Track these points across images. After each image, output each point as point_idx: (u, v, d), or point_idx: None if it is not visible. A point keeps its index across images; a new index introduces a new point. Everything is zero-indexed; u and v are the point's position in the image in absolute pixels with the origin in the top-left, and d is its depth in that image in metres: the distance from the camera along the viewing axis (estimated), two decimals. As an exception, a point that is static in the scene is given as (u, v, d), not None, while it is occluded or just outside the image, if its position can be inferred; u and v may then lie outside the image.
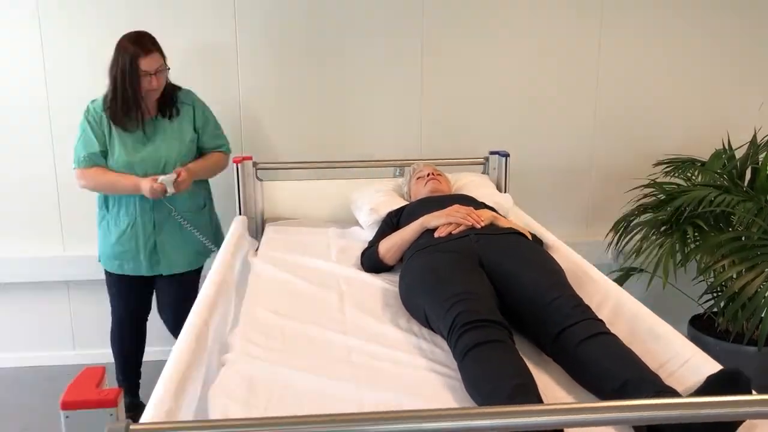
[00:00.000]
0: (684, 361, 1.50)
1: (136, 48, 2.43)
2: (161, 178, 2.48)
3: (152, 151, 2.57)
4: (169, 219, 2.63)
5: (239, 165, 2.78)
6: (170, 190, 2.48)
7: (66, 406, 0.91)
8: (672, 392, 1.38)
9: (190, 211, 2.67)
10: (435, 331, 1.78)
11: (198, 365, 1.46)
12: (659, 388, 1.39)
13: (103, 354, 3.32)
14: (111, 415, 0.91)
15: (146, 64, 2.44)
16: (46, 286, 3.34)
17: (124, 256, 2.65)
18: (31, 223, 3.27)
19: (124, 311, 2.79)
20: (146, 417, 1.14)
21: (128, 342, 2.82)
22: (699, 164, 3.21)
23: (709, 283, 3.01)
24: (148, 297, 2.81)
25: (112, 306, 2.81)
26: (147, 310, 2.84)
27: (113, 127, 2.54)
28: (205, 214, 2.77)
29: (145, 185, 2.49)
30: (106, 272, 2.75)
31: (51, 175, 3.21)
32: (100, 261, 2.75)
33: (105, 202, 2.66)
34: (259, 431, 0.94)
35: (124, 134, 2.55)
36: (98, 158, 2.53)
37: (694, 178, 3.22)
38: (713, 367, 1.43)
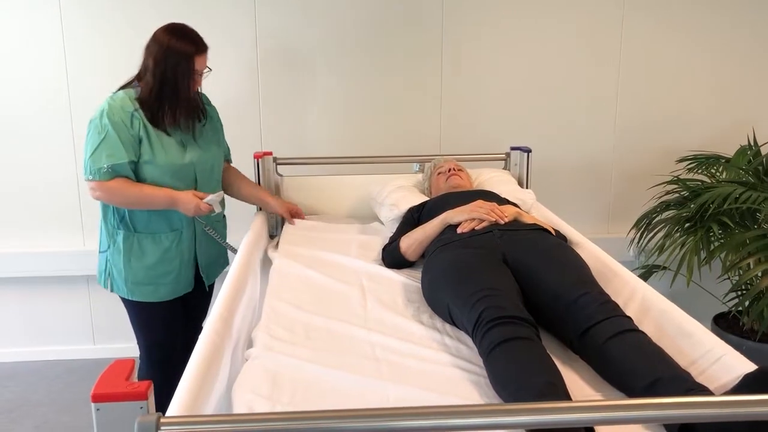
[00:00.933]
0: (716, 359, 1.47)
1: (191, 45, 2.17)
2: (210, 197, 2.21)
3: (200, 153, 2.29)
4: (200, 228, 2.36)
5: (260, 160, 2.77)
6: (217, 210, 2.24)
7: (97, 398, 0.90)
8: (704, 390, 1.36)
9: (215, 221, 2.44)
10: (459, 327, 1.76)
11: (222, 360, 1.45)
12: (690, 386, 1.37)
13: (122, 348, 3.35)
14: (141, 408, 0.91)
15: (200, 63, 2.19)
16: (67, 280, 3.37)
17: (162, 279, 2.28)
18: (53, 219, 3.29)
19: (165, 339, 2.35)
20: (172, 410, 1.13)
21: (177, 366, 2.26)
22: (723, 161, 3.17)
23: (734, 282, 2.98)
24: (184, 318, 2.43)
25: (147, 339, 2.37)
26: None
27: (149, 128, 2.18)
28: (223, 222, 2.54)
29: (187, 200, 2.18)
30: (131, 302, 2.31)
31: (72, 171, 3.23)
32: (114, 290, 2.31)
33: (126, 218, 2.24)
34: (286, 426, 0.93)
35: (162, 135, 2.20)
36: (124, 169, 2.13)
37: (718, 174, 3.18)
38: (746, 365, 1.40)
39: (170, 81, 2.15)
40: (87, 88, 3.14)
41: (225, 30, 3.10)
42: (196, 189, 2.28)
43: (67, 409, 3.00)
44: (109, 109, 2.14)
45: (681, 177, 3.20)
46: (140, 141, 2.16)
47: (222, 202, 2.40)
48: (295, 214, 2.70)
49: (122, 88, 2.24)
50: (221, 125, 2.48)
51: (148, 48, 2.18)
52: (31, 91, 3.15)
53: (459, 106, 3.32)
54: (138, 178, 2.19)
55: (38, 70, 3.13)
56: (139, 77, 2.23)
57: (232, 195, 2.61)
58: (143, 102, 2.18)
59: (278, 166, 2.87)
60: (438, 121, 3.33)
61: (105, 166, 2.10)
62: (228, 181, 2.55)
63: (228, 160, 2.57)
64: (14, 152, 3.20)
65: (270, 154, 2.84)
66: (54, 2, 3.06)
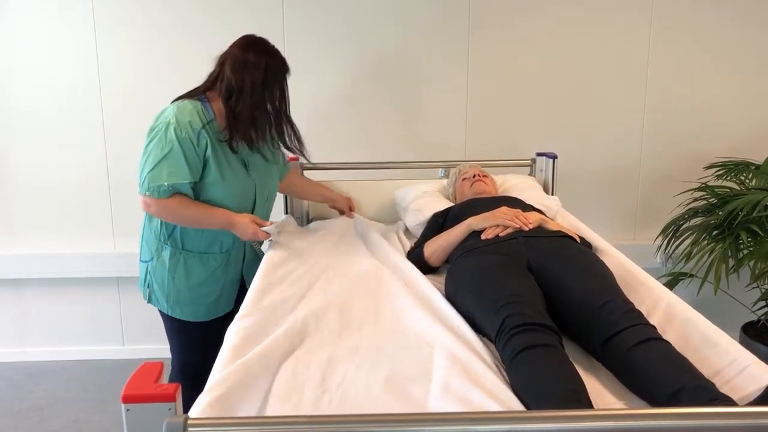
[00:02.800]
0: (741, 369, 1.46)
1: (284, 63, 2.15)
2: (271, 227, 2.14)
3: (262, 173, 2.24)
4: (249, 246, 2.33)
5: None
6: (274, 239, 2.18)
7: (127, 399, 0.93)
8: (728, 401, 1.35)
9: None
10: (482, 333, 1.77)
11: (254, 355, 1.47)
12: (714, 395, 1.36)
13: (151, 349, 3.41)
14: (170, 409, 0.93)
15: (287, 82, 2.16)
16: (97, 282, 3.43)
17: (203, 300, 2.22)
18: (84, 221, 3.36)
19: (199, 357, 2.14)
20: (199, 403, 1.15)
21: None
22: (753, 167, 3.13)
23: (762, 290, 2.94)
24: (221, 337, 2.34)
25: (181, 354, 2.31)
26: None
27: (217, 147, 2.08)
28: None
29: (244, 224, 2.10)
30: (169, 317, 2.25)
31: (103, 174, 3.30)
32: (152, 302, 2.27)
33: (175, 234, 2.15)
34: (312, 429, 0.95)
35: (228, 154, 2.12)
36: (184, 188, 2.04)
37: (747, 181, 3.14)
38: (774, 376, 1.39)
39: (278, 103, 2.11)
40: (118, 88, 3.21)
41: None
42: (254, 209, 2.25)
43: (96, 409, 3.06)
44: (176, 124, 2.01)
45: (709, 184, 3.16)
46: (206, 161, 2.07)
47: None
48: (353, 207, 2.76)
49: (185, 96, 2.14)
50: None
51: (239, 69, 2.06)
52: (63, 93, 3.23)
53: (484, 112, 3.33)
54: (199, 196, 2.11)
55: (70, 71, 3.20)
56: (206, 89, 2.14)
57: (295, 195, 2.70)
58: (233, 129, 2.07)
59: (304, 171, 2.89)
60: (463, 126, 3.34)
61: (165, 184, 1.99)
62: (291, 182, 2.60)
63: (287, 165, 2.53)
64: (46, 155, 3.28)
65: (296, 159, 2.86)
66: (87, 5, 3.13)
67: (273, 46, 2.16)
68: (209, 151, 2.06)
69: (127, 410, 0.94)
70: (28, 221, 3.36)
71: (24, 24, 3.15)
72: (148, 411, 0.93)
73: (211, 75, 2.15)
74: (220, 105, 2.10)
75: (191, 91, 2.16)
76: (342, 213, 2.76)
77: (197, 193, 2.11)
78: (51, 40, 3.17)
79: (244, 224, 2.11)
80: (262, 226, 2.15)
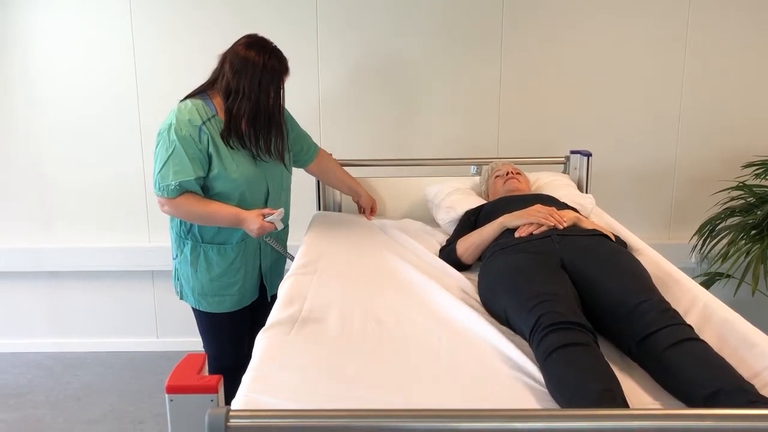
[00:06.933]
0: (782, 372, 1.44)
1: (282, 64, 2.16)
2: (271, 216, 2.14)
3: (272, 165, 2.26)
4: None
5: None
6: (279, 227, 2.18)
7: (170, 390, 0.95)
8: (768, 403, 1.33)
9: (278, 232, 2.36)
10: (516, 331, 1.76)
11: (291, 349, 1.49)
12: (754, 398, 1.34)
13: (184, 342, 3.45)
14: (212, 401, 0.95)
15: (284, 83, 2.18)
16: (132, 275, 3.49)
17: (227, 290, 2.27)
18: (120, 216, 3.43)
19: (230, 349, 2.34)
20: (240, 395, 1.17)
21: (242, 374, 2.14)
22: (793, 166, 3.07)
23: (801, 292, 2.88)
24: (250, 327, 2.34)
25: (212, 347, 2.36)
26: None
27: (218, 141, 2.13)
28: (286, 230, 2.48)
29: (251, 221, 2.12)
30: (198, 311, 2.32)
31: (140, 170, 3.35)
32: (182, 298, 2.35)
33: (193, 228, 2.23)
34: (351, 423, 0.96)
35: (231, 149, 2.17)
36: (191, 185, 2.10)
37: (787, 181, 3.08)
38: (815, 379, 1.36)
39: (265, 101, 2.11)
40: (154, 87, 3.26)
41: (286, 34, 3.17)
42: (267, 200, 2.28)
43: (131, 399, 3.12)
44: (176, 123, 2.09)
45: (747, 183, 3.11)
46: (209, 155, 2.12)
47: (284, 218, 2.35)
48: (373, 210, 2.77)
49: (190, 96, 2.20)
50: (292, 127, 2.43)
51: (238, 68, 2.09)
52: (101, 91, 3.28)
53: (517, 109, 3.31)
54: (209, 192, 2.17)
55: (108, 69, 3.26)
56: (209, 85, 2.19)
57: (325, 179, 2.71)
58: (232, 129, 2.12)
59: (337, 168, 2.91)
60: (496, 123, 3.32)
61: (173, 183, 2.07)
62: (324, 165, 2.60)
63: (314, 148, 2.55)
64: (85, 151, 3.35)
65: (329, 155, 2.88)
66: (125, 5, 3.18)
67: (275, 47, 2.17)
68: (211, 147, 2.12)
69: (171, 400, 0.96)
70: (66, 216, 3.43)
71: (63, 28, 3.21)
72: (191, 402, 0.95)
73: (213, 72, 2.19)
74: (221, 101, 2.15)
75: (196, 89, 2.22)
76: (361, 212, 2.77)
77: (207, 188, 2.17)
78: (89, 43, 3.23)
79: (251, 220, 2.13)
80: (267, 218, 2.15)
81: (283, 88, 2.18)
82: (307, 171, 2.61)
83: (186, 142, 2.08)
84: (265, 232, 2.16)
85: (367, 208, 2.74)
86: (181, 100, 2.19)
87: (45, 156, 3.36)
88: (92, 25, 3.21)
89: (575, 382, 1.41)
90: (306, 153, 2.51)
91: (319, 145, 2.60)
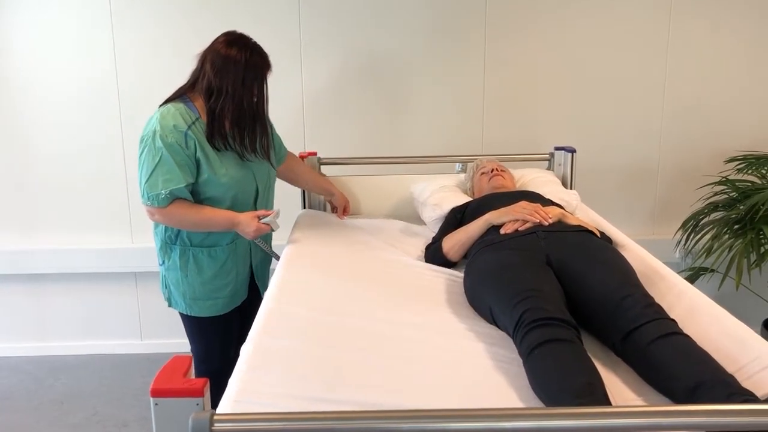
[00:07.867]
0: (764, 365, 1.43)
1: (265, 60, 2.11)
2: (268, 218, 2.12)
3: (258, 163, 2.22)
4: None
5: (304, 160, 2.80)
6: (275, 228, 2.16)
7: (155, 393, 0.93)
8: (749, 395, 1.33)
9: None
10: (501, 329, 1.76)
11: (278, 352, 1.48)
12: (734, 390, 1.35)
13: (168, 344, 3.42)
14: (197, 404, 0.94)
15: (267, 79, 2.14)
16: (115, 276, 3.46)
17: (220, 293, 2.23)
18: (102, 217, 3.39)
19: (220, 350, 2.30)
20: (226, 399, 1.16)
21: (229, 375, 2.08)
22: (775, 161, 3.09)
23: (784, 285, 2.91)
24: (239, 327, 2.32)
25: (201, 350, 2.32)
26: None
27: (206, 145, 2.08)
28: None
29: (246, 223, 2.09)
30: (188, 316, 2.26)
31: (121, 171, 3.32)
32: (172, 305, 2.28)
33: (181, 233, 2.17)
34: (338, 425, 0.95)
35: (218, 152, 2.12)
36: (182, 192, 2.05)
37: (769, 175, 3.11)
38: (798, 372, 1.37)
39: (249, 101, 2.06)
40: (136, 86, 3.23)
41: (270, 32, 3.15)
42: (256, 200, 2.26)
43: (115, 402, 3.09)
44: (161, 130, 2.02)
45: (730, 178, 3.13)
46: (198, 160, 2.07)
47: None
48: (346, 210, 2.73)
49: (170, 100, 2.14)
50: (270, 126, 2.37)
51: (220, 68, 2.04)
52: (81, 91, 3.24)
53: (502, 106, 3.31)
54: (199, 197, 2.13)
55: (88, 71, 3.22)
56: (189, 88, 2.13)
57: (293, 182, 2.62)
58: (215, 130, 2.08)
59: (321, 166, 2.90)
60: (480, 120, 3.32)
61: (163, 192, 2.01)
62: (291, 167, 2.54)
63: (285, 149, 2.51)
64: (65, 152, 3.31)
65: (314, 154, 2.87)
66: (105, 6, 3.14)
67: (255, 43, 2.12)
68: (198, 150, 2.07)
69: (156, 404, 0.94)
70: (47, 217, 3.39)
71: (43, 29, 3.17)
72: (177, 405, 0.94)
73: (193, 73, 2.13)
74: (203, 103, 2.09)
75: (175, 92, 2.15)
76: (334, 211, 2.74)
77: (197, 193, 2.12)
78: (69, 38, 3.19)
79: (246, 222, 2.09)
80: (262, 219, 2.13)
81: (267, 84, 2.14)
82: (277, 174, 2.50)
83: (173, 149, 2.02)
84: (262, 234, 2.13)
85: (340, 207, 2.70)
86: (161, 105, 2.13)
87: (25, 157, 3.31)
88: (72, 26, 3.17)
89: (556, 377, 1.41)
90: (278, 154, 2.46)
91: (303, 144, 2.58)
